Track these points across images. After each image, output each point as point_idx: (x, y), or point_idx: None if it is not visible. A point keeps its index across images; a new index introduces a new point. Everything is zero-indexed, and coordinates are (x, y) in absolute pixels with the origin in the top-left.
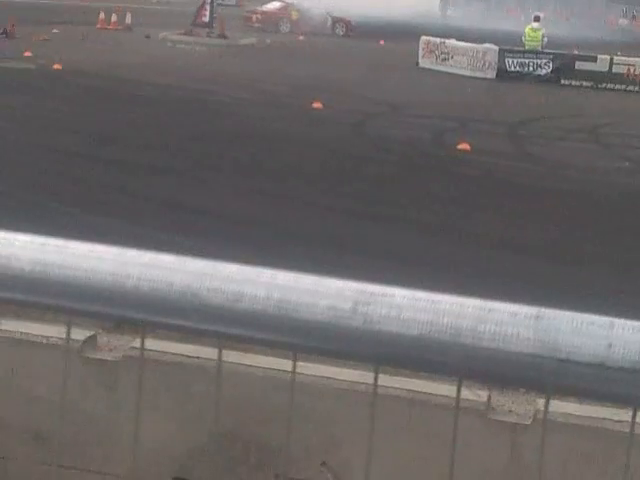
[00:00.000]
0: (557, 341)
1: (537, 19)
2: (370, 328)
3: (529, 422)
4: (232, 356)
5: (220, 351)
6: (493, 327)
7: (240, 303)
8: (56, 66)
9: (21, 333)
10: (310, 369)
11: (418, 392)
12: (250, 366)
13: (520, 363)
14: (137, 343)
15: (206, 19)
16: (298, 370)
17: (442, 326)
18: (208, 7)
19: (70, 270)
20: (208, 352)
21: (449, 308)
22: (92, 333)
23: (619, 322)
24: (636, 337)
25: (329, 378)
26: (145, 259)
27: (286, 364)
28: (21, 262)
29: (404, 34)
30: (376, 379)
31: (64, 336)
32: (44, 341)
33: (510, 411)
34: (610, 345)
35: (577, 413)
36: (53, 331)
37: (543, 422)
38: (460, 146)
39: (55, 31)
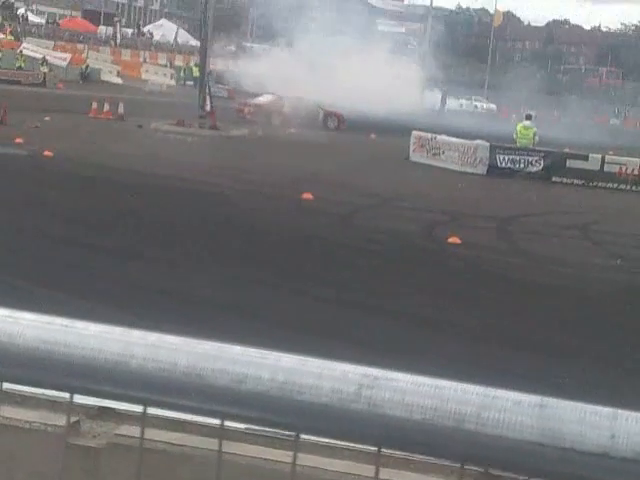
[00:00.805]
0: (560, 430)
1: (529, 117)
2: (374, 411)
3: None
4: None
5: (220, 442)
6: (497, 414)
7: (244, 384)
8: (47, 153)
9: (3, 417)
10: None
11: None
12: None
13: (523, 451)
14: (121, 430)
15: (209, 109)
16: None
17: (446, 412)
18: (208, 98)
19: (75, 349)
20: (194, 440)
21: (453, 394)
22: (76, 419)
23: (622, 413)
24: (639, 428)
25: (319, 468)
26: (150, 339)
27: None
28: (27, 340)
29: (396, 128)
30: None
31: (46, 421)
32: (26, 426)
33: None
34: (613, 436)
35: None
36: (35, 416)
37: None
38: (450, 239)
39: (47, 119)
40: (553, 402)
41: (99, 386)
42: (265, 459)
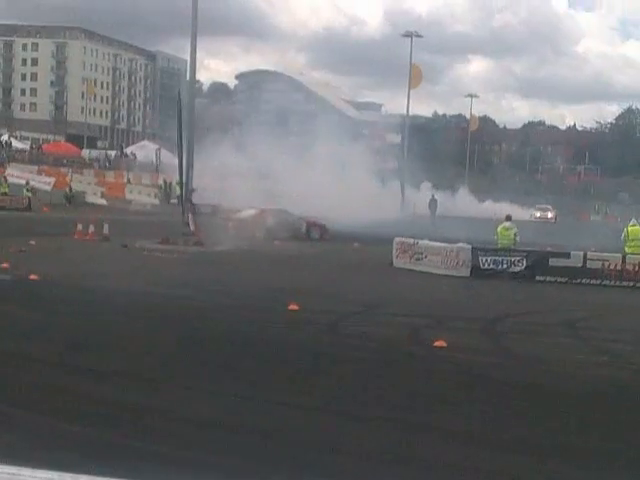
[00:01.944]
0: None
1: (509, 218)
2: None
3: None
4: None
5: None
6: None
7: None
8: (32, 276)
9: None
10: None
11: None
12: None
13: None
14: None
15: (193, 228)
16: None
17: None
18: (191, 216)
19: None
20: None
21: None
22: None
23: None
24: None
25: None
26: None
27: None
28: None
29: (378, 236)
30: None
31: None
32: None
33: None
34: None
35: None
36: None
37: None
38: (436, 343)
39: (32, 242)
40: None
41: None
42: None
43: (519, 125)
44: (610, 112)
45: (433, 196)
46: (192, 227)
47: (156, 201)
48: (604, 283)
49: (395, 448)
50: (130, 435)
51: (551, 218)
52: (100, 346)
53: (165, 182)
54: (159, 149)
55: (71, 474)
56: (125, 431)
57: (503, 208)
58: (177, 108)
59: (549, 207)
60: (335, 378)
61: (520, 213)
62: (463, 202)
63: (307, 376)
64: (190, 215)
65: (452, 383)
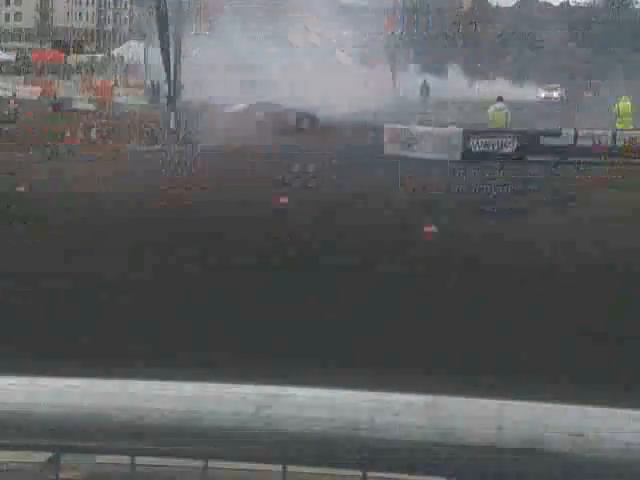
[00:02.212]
0: (451, 427)
1: (500, 99)
2: (273, 429)
3: None
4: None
5: (206, 462)
6: (389, 418)
7: (146, 419)
8: (18, 188)
9: None
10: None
11: None
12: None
13: (417, 451)
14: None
15: (172, 125)
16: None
17: (341, 421)
18: (173, 114)
19: None
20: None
21: (347, 403)
22: (54, 453)
23: (509, 404)
24: (524, 418)
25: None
26: (54, 386)
27: None
28: None
29: (369, 124)
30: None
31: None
32: (3, 467)
33: None
34: (500, 427)
35: None
36: (10, 456)
37: None
38: (426, 229)
39: (20, 155)
40: (443, 400)
41: (4, 439)
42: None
43: (511, 3)
44: None
45: (425, 80)
46: (172, 125)
47: (145, 102)
48: (595, 161)
49: (383, 333)
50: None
51: (557, 98)
52: (94, 251)
53: (152, 82)
54: (146, 48)
55: (83, 379)
56: (118, 334)
57: (497, 89)
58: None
59: (556, 86)
60: (325, 269)
61: (518, 93)
62: (456, 85)
63: (297, 267)
64: (178, 113)
65: (442, 268)
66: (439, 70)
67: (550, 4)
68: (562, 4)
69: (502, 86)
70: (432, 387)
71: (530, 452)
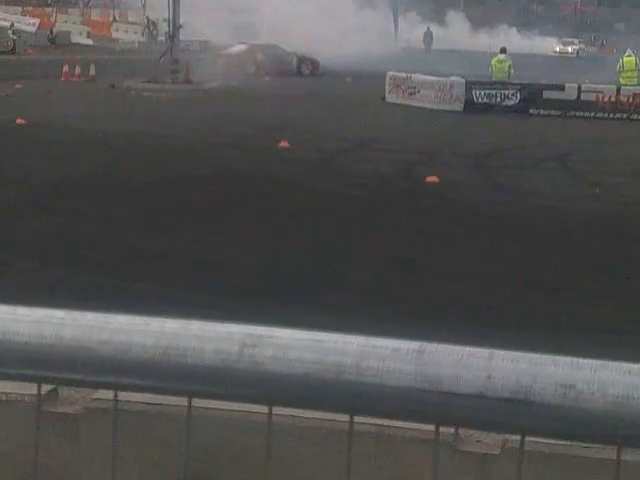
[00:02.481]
0: (438, 374)
1: (503, 51)
2: (257, 369)
3: (498, 452)
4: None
5: (190, 400)
6: (376, 363)
7: (129, 353)
8: (19, 121)
9: None
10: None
11: (386, 426)
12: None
13: (404, 397)
14: (98, 394)
15: (175, 66)
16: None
17: (326, 364)
18: (169, 52)
19: None
20: (173, 399)
21: (333, 346)
22: (52, 387)
23: (498, 353)
24: (514, 367)
25: (295, 417)
26: (35, 316)
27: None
28: None
29: (371, 71)
30: (352, 419)
31: (22, 391)
32: (3, 397)
33: (478, 441)
34: (489, 376)
35: (545, 440)
36: (10, 387)
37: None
38: (428, 179)
39: (18, 86)
40: (431, 347)
41: None
42: (239, 411)
43: None
44: None
45: (428, 28)
46: (161, 61)
47: (143, 39)
48: (598, 115)
49: (386, 285)
50: (123, 277)
51: (572, 52)
52: (92, 188)
53: (149, 19)
54: None
55: (65, 310)
56: (119, 273)
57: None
58: None
59: (574, 40)
60: (328, 216)
61: (522, 44)
62: (458, 35)
63: (299, 215)
64: (178, 52)
65: (443, 218)
66: (441, 19)
67: None
68: None
69: (507, 36)
70: (421, 334)
71: (519, 402)
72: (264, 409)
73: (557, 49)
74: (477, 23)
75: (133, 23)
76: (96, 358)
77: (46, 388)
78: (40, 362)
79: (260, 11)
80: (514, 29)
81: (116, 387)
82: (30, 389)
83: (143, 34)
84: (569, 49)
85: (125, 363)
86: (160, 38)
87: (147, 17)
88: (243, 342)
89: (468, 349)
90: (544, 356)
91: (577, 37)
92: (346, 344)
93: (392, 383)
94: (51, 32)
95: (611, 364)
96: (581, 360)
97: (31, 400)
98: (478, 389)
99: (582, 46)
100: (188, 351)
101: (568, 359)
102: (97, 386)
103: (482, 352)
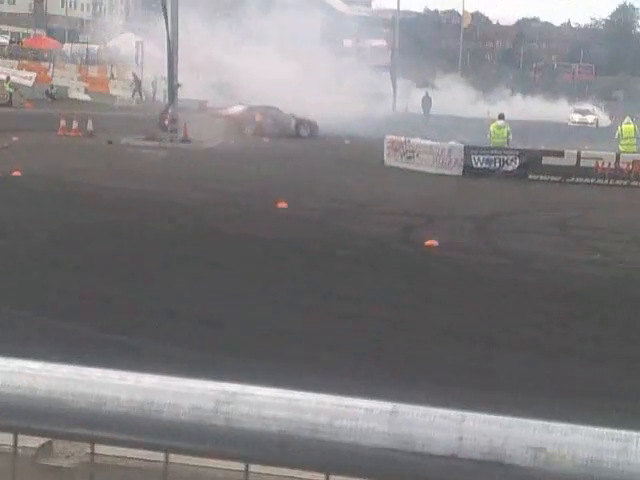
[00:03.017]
0: (411, 435)
1: (502, 117)
2: (232, 426)
3: None
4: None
5: (167, 455)
6: (350, 422)
7: (104, 407)
8: (15, 173)
9: None
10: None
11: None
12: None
13: (376, 457)
14: (95, 449)
15: (173, 124)
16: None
17: (301, 422)
18: (171, 110)
19: None
20: (150, 453)
21: (307, 405)
22: (48, 440)
23: (470, 415)
24: (485, 429)
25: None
26: (11, 366)
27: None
28: None
29: (369, 134)
30: (327, 478)
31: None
32: None
33: None
34: (461, 438)
35: None
36: (3, 438)
37: None
38: (428, 242)
39: (15, 139)
40: (404, 408)
41: None
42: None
43: (513, 22)
44: (604, 8)
45: (427, 93)
46: (174, 123)
47: (142, 97)
48: (597, 182)
49: (385, 345)
50: (116, 331)
51: (592, 123)
52: (85, 242)
53: (135, 76)
54: (142, 42)
55: (55, 364)
56: (113, 326)
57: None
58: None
59: (589, 109)
60: (325, 276)
61: (529, 111)
62: (457, 100)
63: (295, 273)
64: (168, 111)
65: (443, 282)
66: (439, 84)
67: (551, 24)
68: (563, 25)
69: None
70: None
71: (491, 464)
72: (241, 466)
73: (576, 119)
74: (476, 88)
75: (131, 80)
76: (71, 411)
77: (41, 441)
78: (13, 413)
79: (259, 73)
80: (518, 95)
81: (92, 440)
82: (24, 441)
83: (133, 93)
84: (589, 119)
85: (100, 417)
86: (158, 96)
87: (134, 74)
88: (218, 399)
89: (440, 410)
90: (515, 419)
91: (581, 103)
92: (320, 403)
93: (365, 443)
94: (51, 87)
95: (581, 428)
96: (552, 423)
97: (24, 452)
98: (450, 450)
99: (600, 115)
100: (164, 407)
101: (539, 422)
102: (72, 438)
103: (454, 414)
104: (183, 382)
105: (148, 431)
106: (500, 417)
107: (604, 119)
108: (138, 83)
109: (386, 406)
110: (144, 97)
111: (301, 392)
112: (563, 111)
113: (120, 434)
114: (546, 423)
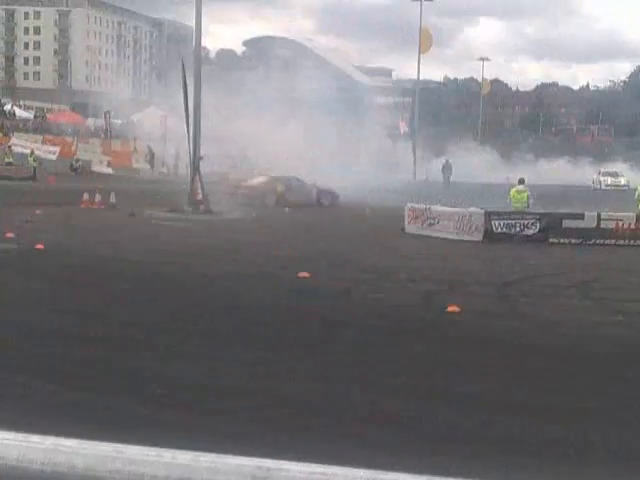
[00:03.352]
0: None
1: (522, 181)
2: None
3: None
4: None
5: None
6: None
7: None
8: (38, 246)
9: None
10: None
11: None
12: None
13: None
14: None
15: (200, 197)
16: None
17: None
18: (200, 185)
19: None
20: None
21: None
22: None
23: None
24: None
25: None
26: (47, 443)
27: None
28: None
29: (390, 202)
30: None
31: None
32: None
33: None
34: None
35: None
36: None
37: None
38: (449, 308)
39: (38, 212)
40: None
41: None
42: None
43: (531, 87)
44: (623, 70)
45: (447, 161)
46: (199, 197)
47: (164, 170)
48: (618, 243)
49: (412, 415)
50: (142, 402)
51: (625, 185)
52: (110, 315)
53: (149, 149)
54: (165, 117)
55: (76, 439)
56: (139, 398)
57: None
58: (181, 75)
59: (618, 172)
60: (349, 345)
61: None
62: (477, 167)
63: (320, 344)
64: (198, 185)
65: (467, 348)
66: (459, 152)
67: (570, 88)
68: (582, 88)
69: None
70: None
71: None
72: None
73: (608, 181)
74: (496, 154)
75: (154, 154)
76: None
77: None
78: None
79: (280, 144)
80: (542, 160)
81: None
82: None
83: (163, 165)
84: (622, 181)
85: None
86: (160, 168)
87: (148, 146)
88: (253, 475)
89: None
90: None
91: (607, 165)
92: (355, 478)
93: None
94: (76, 160)
95: None
96: None
97: None
98: None
99: (629, 176)
100: None
101: None
102: None
103: None
104: (218, 458)
105: None
106: None
107: (636, 180)
108: (152, 155)
109: (420, 479)
110: (166, 170)
111: (336, 467)
112: (584, 173)
113: None
114: None
